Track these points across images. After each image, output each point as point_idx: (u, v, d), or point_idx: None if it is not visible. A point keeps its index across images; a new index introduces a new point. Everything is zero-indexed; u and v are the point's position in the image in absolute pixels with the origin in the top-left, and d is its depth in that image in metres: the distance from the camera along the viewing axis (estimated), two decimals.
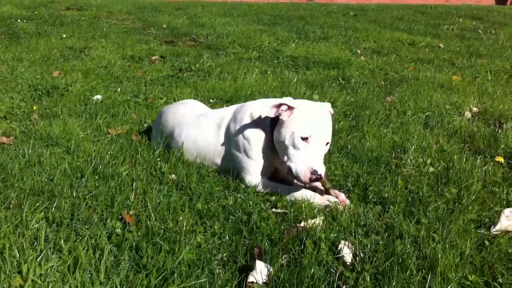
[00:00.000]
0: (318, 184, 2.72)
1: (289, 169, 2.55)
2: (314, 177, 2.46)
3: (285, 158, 2.59)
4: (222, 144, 2.91)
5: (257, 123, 2.78)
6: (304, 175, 2.48)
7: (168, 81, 5.15)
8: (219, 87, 4.85)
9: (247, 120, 2.81)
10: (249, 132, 2.78)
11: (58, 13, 9.47)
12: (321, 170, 2.49)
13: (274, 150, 2.75)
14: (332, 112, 2.76)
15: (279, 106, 2.58)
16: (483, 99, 4.72)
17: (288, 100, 2.62)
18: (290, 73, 5.63)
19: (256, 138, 2.77)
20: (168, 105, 3.66)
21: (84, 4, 10.66)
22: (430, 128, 3.89)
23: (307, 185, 2.65)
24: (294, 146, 2.54)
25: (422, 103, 4.53)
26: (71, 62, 5.72)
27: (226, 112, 3.02)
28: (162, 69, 5.60)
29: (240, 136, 2.80)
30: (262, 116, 2.75)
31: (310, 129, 2.52)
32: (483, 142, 3.55)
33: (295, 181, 2.61)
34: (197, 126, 3.05)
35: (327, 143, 2.60)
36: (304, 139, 2.51)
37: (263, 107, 2.75)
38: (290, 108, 2.59)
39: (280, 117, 2.60)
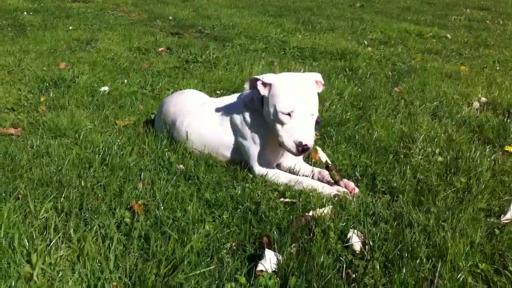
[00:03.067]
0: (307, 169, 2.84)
1: (281, 143, 2.60)
2: (300, 148, 2.51)
3: (276, 133, 2.63)
4: (228, 135, 2.91)
5: (252, 107, 2.82)
6: (292, 147, 2.54)
7: (174, 72, 5.14)
8: (225, 78, 4.84)
9: (244, 107, 2.85)
10: (248, 117, 2.82)
11: (64, 6, 9.47)
12: (307, 140, 2.52)
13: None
14: (322, 81, 2.76)
15: (254, 80, 2.66)
16: (492, 89, 4.69)
17: (266, 76, 2.66)
18: (297, 64, 5.60)
19: (254, 122, 2.80)
20: (169, 95, 3.65)
21: None
22: (439, 118, 3.87)
23: (299, 156, 2.71)
24: (279, 122, 2.59)
25: (430, 93, 4.51)
26: (78, 54, 5.72)
27: (229, 101, 3.01)
28: (169, 60, 5.59)
29: (243, 123, 2.83)
30: (244, 95, 2.87)
31: (291, 104, 2.55)
32: (492, 131, 3.52)
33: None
34: (201, 116, 3.04)
35: (313, 114, 2.61)
36: (287, 114, 2.55)
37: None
38: (264, 84, 2.64)
39: (262, 94, 2.66)
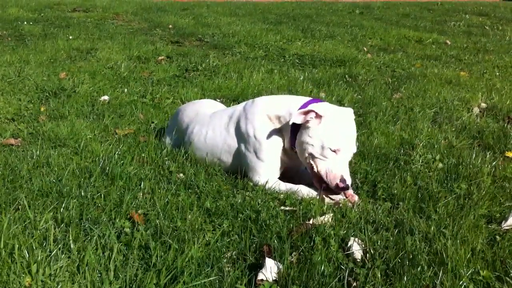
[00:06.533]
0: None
1: (315, 173, 2.57)
2: (342, 185, 2.48)
3: (311, 165, 2.58)
4: (231, 142, 2.88)
5: (273, 124, 2.75)
6: (333, 179, 2.50)
7: (174, 81, 5.15)
8: (225, 86, 4.85)
9: (259, 118, 2.77)
10: (261, 133, 2.74)
11: (64, 15, 9.50)
12: (349, 180, 2.51)
13: (286, 152, 2.76)
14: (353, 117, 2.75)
15: (307, 113, 2.55)
16: (492, 94, 4.69)
17: (314, 106, 2.58)
18: (296, 72, 5.61)
19: (268, 140, 2.73)
20: (185, 104, 3.67)
21: (90, 6, 10.69)
22: (439, 124, 3.87)
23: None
24: (322, 155, 2.54)
25: (430, 99, 4.51)
26: (78, 63, 5.74)
27: (236, 109, 2.98)
28: (169, 69, 5.60)
29: (252, 135, 2.76)
30: (287, 121, 2.67)
31: (340, 142, 2.53)
32: (492, 137, 3.52)
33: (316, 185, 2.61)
34: (209, 122, 3.04)
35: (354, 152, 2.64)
36: (333, 150, 2.52)
37: (280, 107, 2.74)
38: (318, 116, 2.56)
39: (307, 124, 2.57)
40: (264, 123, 2.76)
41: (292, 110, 2.65)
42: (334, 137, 2.54)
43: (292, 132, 2.67)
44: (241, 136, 2.83)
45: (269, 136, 2.74)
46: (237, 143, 2.86)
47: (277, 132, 2.75)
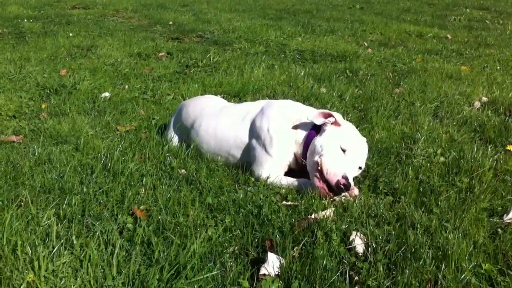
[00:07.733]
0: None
1: (318, 169, 2.52)
2: (343, 181, 2.44)
3: (319, 161, 2.54)
4: (244, 137, 2.90)
5: (293, 125, 2.80)
6: (333, 176, 2.46)
7: (175, 77, 5.15)
8: (226, 82, 4.84)
9: (276, 116, 2.82)
10: (275, 129, 2.78)
11: (64, 12, 9.49)
12: (351, 181, 2.48)
13: (296, 159, 2.79)
14: None
15: (326, 116, 2.66)
16: (493, 88, 4.68)
17: (335, 114, 2.69)
18: (297, 67, 5.60)
19: (280, 137, 2.76)
20: (189, 99, 3.67)
21: (90, 3, 10.68)
22: (440, 118, 3.87)
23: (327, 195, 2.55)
24: (330, 152, 2.55)
25: (431, 93, 4.50)
26: (78, 60, 5.73)
27: (252, 106, 3.02)
28: (169, 65, 5.60)
29: (265, 130, 2.79)
30: (307, 120, 2.74)
31: (351, 143, 2.60)
32: (493, 131, 3.52)
33: (318, 184, 2.54)
34: (219, 117, 3.06)
35: (360, 167, 2.64)
36: (344, 150, 2.56)
37: (302, 111, 2.84)
38: (336, 123, 2.67)
39: (324, 127, 2.66)
40: (280, 122, 2.81)
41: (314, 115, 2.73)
42: (347, 138, 2.61)
43: (305, 143, 2.73)
44: (254, 130, 2.86)
45: (282, 134, 2.78)
46: (249, 138, 2.88)
47: (292, 134, 2.78)
